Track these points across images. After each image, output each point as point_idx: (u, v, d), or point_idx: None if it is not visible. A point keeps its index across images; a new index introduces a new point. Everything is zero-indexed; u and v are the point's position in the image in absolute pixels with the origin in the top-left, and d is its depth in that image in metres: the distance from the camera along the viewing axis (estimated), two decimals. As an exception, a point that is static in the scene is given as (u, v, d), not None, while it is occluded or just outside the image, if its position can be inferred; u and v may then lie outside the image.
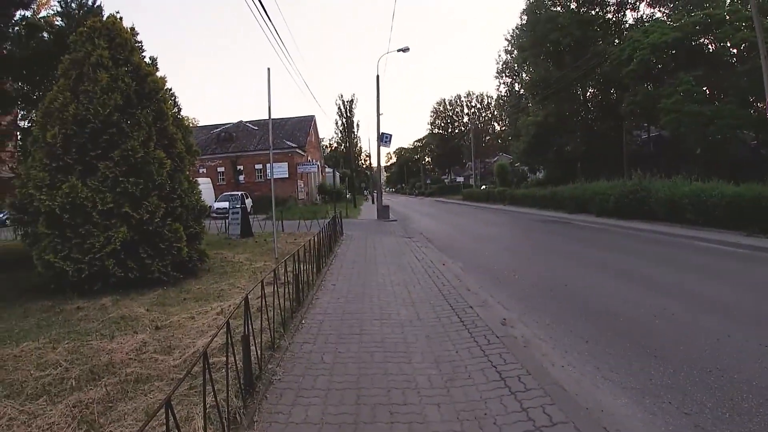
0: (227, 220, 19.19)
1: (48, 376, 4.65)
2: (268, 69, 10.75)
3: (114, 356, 5.12)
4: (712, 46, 28.56)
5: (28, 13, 13.28)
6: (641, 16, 38.08)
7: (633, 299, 7.48)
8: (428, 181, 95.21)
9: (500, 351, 5.09)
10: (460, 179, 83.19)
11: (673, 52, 28.43)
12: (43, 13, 14.53)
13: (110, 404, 4.03)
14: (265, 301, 5.18)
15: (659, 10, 36.83)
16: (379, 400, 4.04)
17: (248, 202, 31.26)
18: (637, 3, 38.17)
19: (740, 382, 4.34)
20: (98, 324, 6.56)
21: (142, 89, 9.36)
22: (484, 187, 58.29)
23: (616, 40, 36.99)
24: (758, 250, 11.43)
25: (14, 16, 12.94)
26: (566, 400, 3.95)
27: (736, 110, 24.42)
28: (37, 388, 4.40)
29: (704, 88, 27.50)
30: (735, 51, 27.64)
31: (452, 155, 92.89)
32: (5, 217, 17.03)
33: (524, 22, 43.83)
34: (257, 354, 4.55)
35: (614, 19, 39.43)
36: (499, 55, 62.30)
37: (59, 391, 4.33)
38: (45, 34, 13.07)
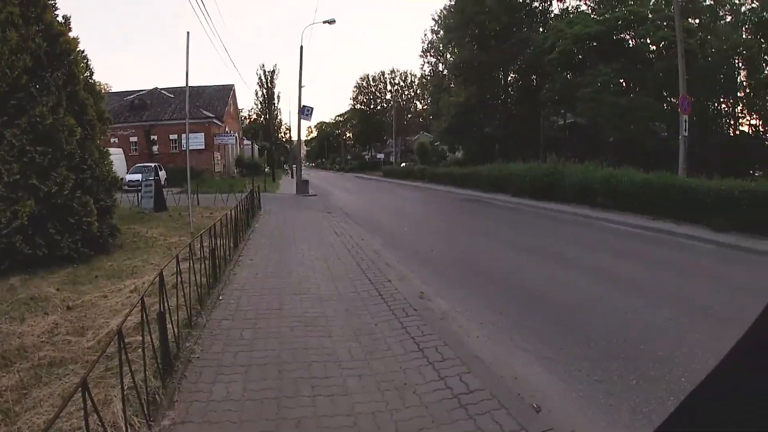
0: (140, 193, 18.44)
1: (-47, 362, 4.38)
2: (188, 33, 10.42)
3: (25, 339, 4.89)
4: (632, 41, 30.25)
5: None
6: (567, 8, 39.61)
7: (546, 274, 7.99)
8: (348, 157, 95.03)
9: (418, 323, 5.31)
10: (381, 156, 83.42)
11: (595, 44, 29.83)
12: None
13: (24, 391, 3.87)
14: (181, 278, 5.09)
15: (585, 3, 38.37)
16: (300, 374, 4.13)
17: (162, 174, 30.11)
18: (564, -7, 39.44)
19: (649, 352, 4.74)
20: (6, 306, 6.19)
21: (54, 50, 8.64)
22: (404, 164, 58.91)
23: (541, 29, 38.19)
24: (663, 232, 12.24)
25: None
26: (482, 369, 4.21)
27: (651, 103, 25.96)
28: (-58, 376, 4.14)
29: (622, 81, 29.03)
30: (654, 48, 29.27)
31: (374, 132, 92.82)
32: None
33: (453, 3, 44.32)
34: (174, 332, 4.51)
35: (540, 7, 40.74)
36: (425, 35, 62.98)
37: (-33, 379, 4.10)
38: None
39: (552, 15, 39.99)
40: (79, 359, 4.44)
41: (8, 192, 7.82)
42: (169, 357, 4.18)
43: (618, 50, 29.27)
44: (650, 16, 28.22)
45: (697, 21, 30.11)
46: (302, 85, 28.98)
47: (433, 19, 56.59)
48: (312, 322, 5.44)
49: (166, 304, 4.19)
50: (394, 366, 4.26)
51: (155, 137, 40.81)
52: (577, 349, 4.85)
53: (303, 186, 27.27)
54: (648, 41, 28.98)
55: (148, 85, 47.75)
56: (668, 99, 28.31)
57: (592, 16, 32.12)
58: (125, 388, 3.16)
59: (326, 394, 3.80)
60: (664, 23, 27.27)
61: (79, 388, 2.37)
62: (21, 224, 7.77)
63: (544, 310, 6.09)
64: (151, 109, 42.54)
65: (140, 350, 3.64)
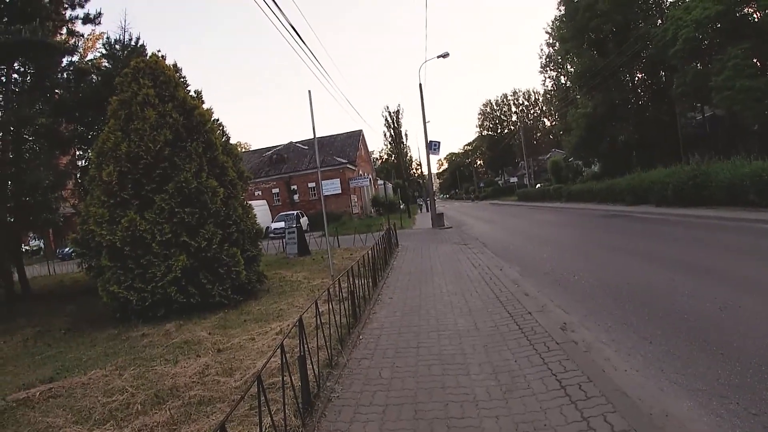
0: (284, 240, 19.50)
1: (114, 401, 4.85)
2: (309, 91, 10.96)
3: (177, 380, 5.29)
4: (756, 15, 27.09)
5: (74, 59, 14.04)
6: (681, -8, 36.54)
7: (698, 293, 7.10)
8: (481, 185, 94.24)
9: (560, 358, 4.95)
10: (514, 179, 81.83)
11: (718, 26, 27.17)
12: (89, 56, 15.35)
13: (174, 427, 4.16)
14: (321, 319, 5.21)
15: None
16: (436, 414, 3.99)
17: (304, 220, 31.83)
18: (675, -22, 36.65)
19: None
20: (162, 349, 6.80)
21: (190, 122, 9.73)
22: (539, 185, 57.24)
23: (659, 21, 35.64)
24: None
25: (62, 62, 13.71)
26: (629, 406, 3.79)
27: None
28: (104, 413, 4.60)
29: (755, 61, 26.12)
30: None
31: (504, 156, 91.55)
32: (71, 251, 18.02)
33: (563, 12, 43.00)
34: (315, 372, 4.59)
35: None
36: (542, 49, 61.13)
37: (125, 416, 4.51)
38: (93, 77, 13.76)
39: (667, 4, 36.88)
40: (227, 398, 4.68)
41: (161, 249, 8.73)
42: (309, 396, 4.24)
43: (744, 28, 26.21)
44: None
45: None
46: (427, 120, 29.36)
47: (546, 31, 55.21)
48: (449, 360, 5.27)
49: (305, 346, 4.28)
50: (534, 406, 3.97)
51: (295, 187, 43.42)
52: (734, 380, 4.22)
53: (438, 219, 27.31)
54: None
55: (284, 141, 51.10)
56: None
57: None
58: (266, 426, 3.25)
59: (462, 435, 3.62)
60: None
61: (218, 429, 2.47)
62: (174, 276, 8.64)
63: (698, 336, 5.40)
64: (288, 162, 45.54)
65: (285, 390, 3.73)
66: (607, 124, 37.82)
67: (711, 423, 3.60)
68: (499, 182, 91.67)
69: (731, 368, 4.46)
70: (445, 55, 28.16)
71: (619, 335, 5.85)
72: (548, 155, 72.75)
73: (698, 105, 35.36)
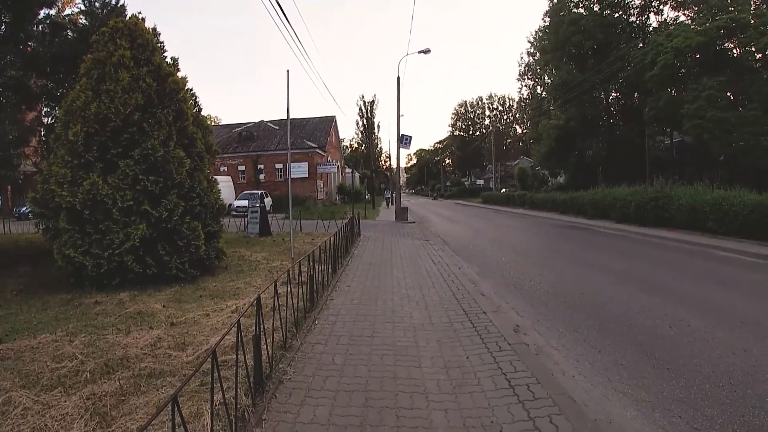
0: (246, 219, 19.31)
1: (63, 368, 4.76)
2: (287, 71, 10.81)
3: (129, 350, 5.22)
4: (736, 50, 28.00)
5: (52, 12, 13.57)
6: (665, 20, 37.49)
7: (649, 309, 7.37)
8: (448, 184, 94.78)
9: (511, 358, 5.07)
10: (480, 182, 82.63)
11: (697, 56, 28.00)
12: (67, 11, 14.85)
13: (123, 398, 4.11)
14: (278, 301, 5.21)
15: (683, 14, 36.23)
16: (386, 403, 4.05)
17: (268, 201, 31.48)
18: (661, 6, 37.66)
19: (753, 398, 4.27)
20: (115, 318, 6.69)
21: (163, 89, 9.50)
22: (504, 190, 57.99)
23: (640, 44, 36.47)
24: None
25: (38, 14, 13.22)
26: (575, 410, 3.92)
27: (761, 117, 23.94)
28: (52, 379, 4.51)
29: (728, 94, 26.99)
30: (759, 56, 27.10)
31: (473, 158, 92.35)
32: (28, 210, 17.45)
33: (547, 24, 43.58)
34: (268, 353, 4.59)
35: (638, 22, 38.94)
36: (522, 58, 61.97)
37: (74, 383, 4.43)
38: (69, 33, 13.34)
39: (650, 29, 37.91)
40: (178, 372, 4.65)
41: (122, 216, 8.54)
42: (261, 377, 4.25)
43: (722, 61, 27.09)
44: (752, 21, 25.95)
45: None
46: (401, 114, 29.43)
47: (529, 41, 55.64)
48: (402, 352, 5.35)
49: (261, 326, 4.28)
50: (482, 402, 4.07)
51: (262, 166, 42.91)
52: (678, 394, 4.42)
53: (402, 213, 27.45)
54: (753, 49, 26.72)
55: (255, 118, 50.46)
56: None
57: (692, 26, 29.92)
58: (216, 403, 3.25)
59: (410, 426, 3.68)
60: (768, 28, 25.04)
61: (170, 401, 2.47)
62: (132, 245, 8.45)
63: (646, 350, 5.61)
64: (257, 140, 44.95)
65: (238, 368, 3.73)
66: (577, 138, 38.55)
67: (653, 433, 3.76)
68: (466, 183, 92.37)
69: (676, 383, 4.66)
70: (426, 51, 28.24)
71: (569, 342, 6.03)
72: (516, 162, 73.78)
73: (668, 130, 36.37)
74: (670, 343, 5.85)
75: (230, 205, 29.61)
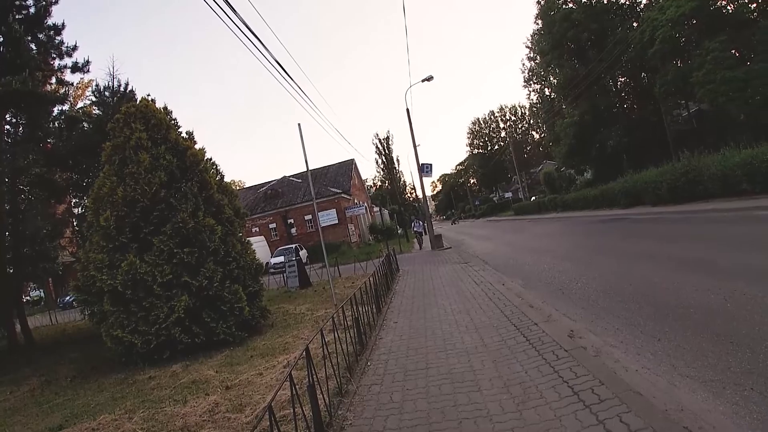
0: (285, 274, 19.46)
1: (127, 446, 4.80)
2: (299, 125, 11.09)
3: (188, 419, 5.27)
4: (730, 6, 27.58)
5: (65, 107, 14.21)
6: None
7: (701, 286, 7.11)
8: (477, 203, 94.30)
9: (570, 365, 4.93)
10: (509, 195, 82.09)
11: (694, 22, 27.68)
12: (79, 105, 15.57)
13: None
14: (327, 349, 5.20)
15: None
16: (451, 432, 3.97)
17: (303, 253, 31.74)
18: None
19: None
20: (170, 390, 6.77)
21: (183, 163, 9.83)
22: (534, 198, 57.51)
23: (635, 24, 36.19)
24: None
25: (52, 111, 13.88)
26: (643, 405, 3.77)
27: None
28: (117, 458, 4.55)
29: (733, 52, 26.52)
30: (754, 5, 26.65)
31: (496, 172, 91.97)
32: (72, 299, 17.91)
33: (540, 26, 43.70)
34: (325, 401, 4.57)
35: (627, 3, 38.70)
36: (523, 64, 61.58)
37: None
38: (84, 125, 13.92)
39: (642, 6, 37.51)
40: (238, 435, 4.64)
41: (163, 291, 8.75)
42: (322, 426, 4.22)
43: (719, 21, 26.67)
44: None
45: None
46: (417, 144, 29.58)
47: (527, 46, 55.62)
48: (459, 378, 5.24)
49: (314, 376, 4.27)
50: (548, 415, 3.94)
51: (292, 220, 43.42)
52: (746, 366, 4.22)
53: (436, 241, 27.30)
54: (746, 1, 26.24)
55: (277, 175, 51.36)
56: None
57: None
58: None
59: (478, 450, 3.60)
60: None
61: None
62: (178, 317, 8.63)
63: (706, 328, 5.40)
64: (283, 196, 45.66)
65: (297, 421, 3.71)
66: (595, 131, 38.13)
67: (727, 411, 3.60)
68: (494, 198, 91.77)
69: (742, 356, 4.46)
70: (429, 79, 28.48)
71: (626, 336, 5.84)
72: (540, 167, 73.14)
73: (683, 102, 35.82)
74: (728, 316, 5.62)
75: (267, 263, 29.94)
